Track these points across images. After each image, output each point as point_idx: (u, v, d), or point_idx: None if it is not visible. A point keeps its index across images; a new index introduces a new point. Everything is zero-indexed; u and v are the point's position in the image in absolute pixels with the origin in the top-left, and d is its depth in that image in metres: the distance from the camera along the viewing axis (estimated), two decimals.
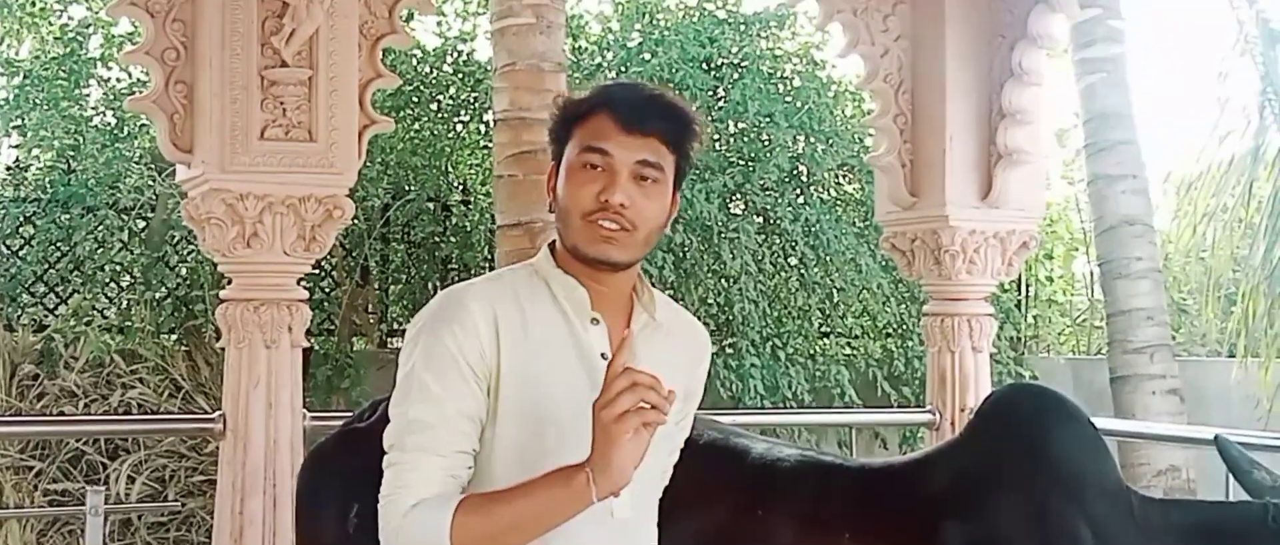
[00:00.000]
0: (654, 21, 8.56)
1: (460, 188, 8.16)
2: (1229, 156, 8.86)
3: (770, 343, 7.58)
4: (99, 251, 7.21)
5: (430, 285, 7.86)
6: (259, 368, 3.32)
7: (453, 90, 8.16)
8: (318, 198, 3.33)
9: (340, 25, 3.34)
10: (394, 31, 3.50)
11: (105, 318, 7.06)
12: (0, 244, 7.36)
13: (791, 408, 7.29)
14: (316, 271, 7.19)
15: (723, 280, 7.59)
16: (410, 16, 6.68)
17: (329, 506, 2.43)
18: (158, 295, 7.00)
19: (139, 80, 7.42)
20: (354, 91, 3.38)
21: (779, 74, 8.37)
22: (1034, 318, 10.31)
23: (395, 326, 8.06)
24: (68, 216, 7.11)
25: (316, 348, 6.98)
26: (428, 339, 1.80)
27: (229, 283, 3.41)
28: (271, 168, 3.28)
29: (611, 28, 8.84)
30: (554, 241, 1.91)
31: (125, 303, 7.20)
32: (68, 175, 7.30)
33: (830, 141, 8.01)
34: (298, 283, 3.42)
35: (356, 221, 6.85)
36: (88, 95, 7.85)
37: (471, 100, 8.14)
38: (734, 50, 8.22)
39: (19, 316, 7.08)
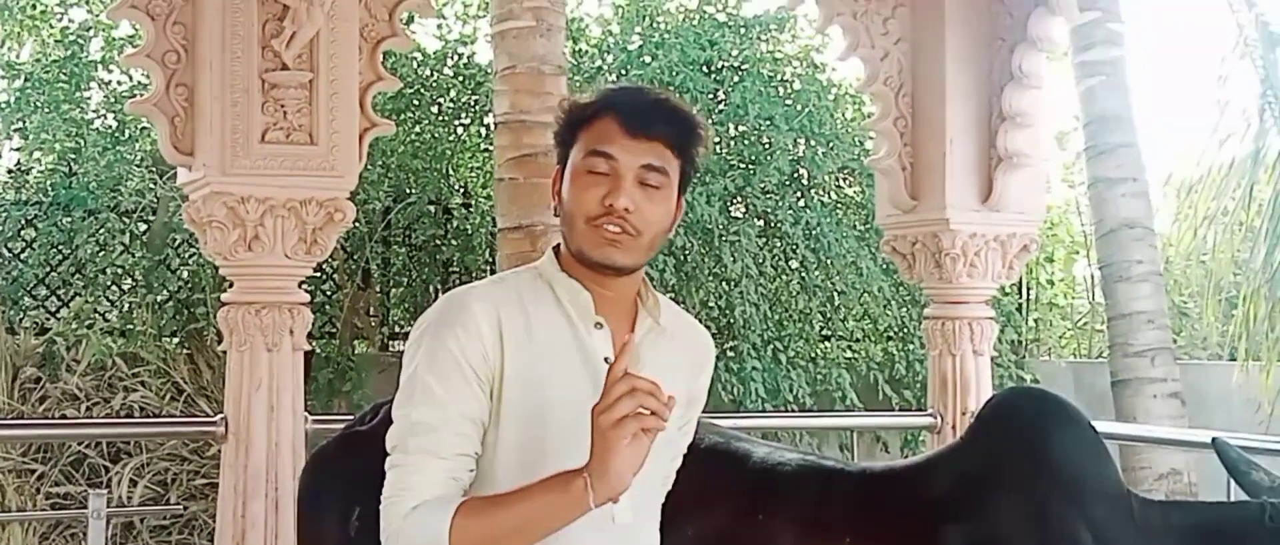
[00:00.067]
0: (654, 24, 8.56)
1: (461, 191, 8.17)
2: (1229, 159, 8.86)
3: (771, 346, 7.58)
4: (100, 254, 7.21)
5: (431, 288, 7.86)
6: (260, 371, 3.32)
7: (453, 93, 8.16)
8: (319, 201, 3.33)
9: (341, 28, 3.35)
10: (394, 34, 3.50)
11: (107, 321, 7.06)
12: (2, 247, 7.36)
13: (793, 411, 7.28)
14: (318, 275, 7.19)
15: (724, 283, 7.59)
16: (411, 19, 6.70)
17: (330, 509, 2.43)
18: (159, 298, 7.00)
19: (140, 83, 7.42)
20: (355, 94, 3.38)
21: (779, 77, 8.37)
22: (1035, 321, 10.30)
23: (397, 330, 8.06)
24: (69, 219, 7.11)
25: (318, 351, 6.98)
26: (431, 341, 1.80)
27: (230, 286, 3.42)
28: (272, 171, 3.28)
29: (612, 31, 8.85)
30: (559, 245, 1.91)
31: (127, 306, 7.20)
32: (69, 178, 7.30)
33: (831, 144, 8.01)
34: (299, 286, 3.42)
35: (357, 224, 6.84)
36: (89, 98, 7.86)
37: (472, 103, 8.14)
38: (734, 53, 8.23)
39: (21, 319, 7.07)
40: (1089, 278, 11.00)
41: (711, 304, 7.53)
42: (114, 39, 7.86)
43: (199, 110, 3.30)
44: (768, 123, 7.78)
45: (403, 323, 8.01)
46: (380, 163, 7.40)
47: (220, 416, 3.42)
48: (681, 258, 7.39)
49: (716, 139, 7.75)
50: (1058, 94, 8.86)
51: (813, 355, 7.83)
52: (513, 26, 4.94)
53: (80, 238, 7.11)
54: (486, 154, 7.81)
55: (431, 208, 7.85)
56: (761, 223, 7.89)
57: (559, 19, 5.07)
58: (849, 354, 8.25)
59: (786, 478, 2.58)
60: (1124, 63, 8.40)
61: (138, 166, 7.10)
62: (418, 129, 7.96)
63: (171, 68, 3.32)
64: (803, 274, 7.89)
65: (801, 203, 7.95)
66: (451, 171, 8.15)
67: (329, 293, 7.72)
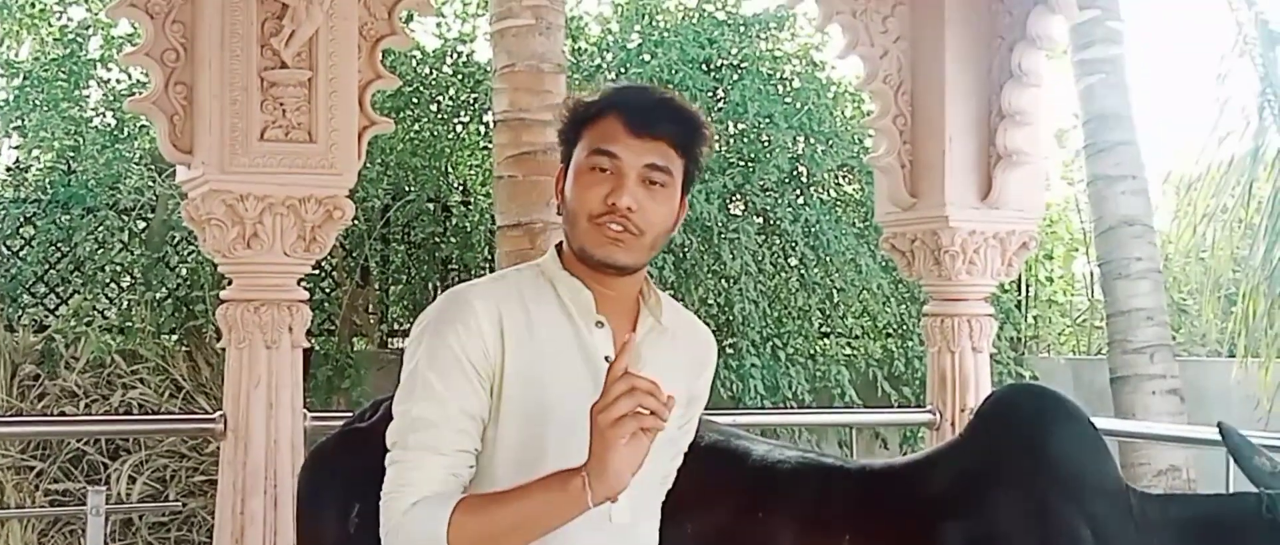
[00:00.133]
0: (653, 23, 8.56)
1: (460, 188, 8.17)
2: (1228, 157, 8.87)
3: (770, 343, 7.58)
4: (99, 252, 7.21)
5: (430, 286, 7.87)
6: (259, 368, 3.32)
7: (452, 91, 8.16)
8: (318, 198, 3.33)
9: (340, 26, 3.35)
10: (393, 32, 3.50)
11: (106, 318, 7.06)
12: (1, 245, 7.36)
13: (792, 408, 7.29)
14: (317, 272, 7.20)
15: (723, 281, 7.59)
16: (410, 18, 6.69)
17: (330, 507, 2.43)
18: (158, 296, 7.01)
19: (139, 81, 7.43)
20: (354, 92, 3.38)
21: (779, 75, 8.38)
22: (1034, 318, 10.32)
23: (395, 327, 8.07)
24: (68, 217, 7.11)
25: (317, 348, 6.99)
26: (432, 338, 1.80)
27: (229, 283, 3.42)
28: (271, 168, 3.28)
29: (611, 29, 8.85)
30: (561, 242, 1.91)
31: (126, 303, 7.20)
32: (68, 176, 7.30)
33: (830, 142, 8.01)
34: (298, 283, 3.42)
35: (356, 222, 6.85)
36: (88, 96, 7.85)
37: (471, 101, 8.14)
38: (734, 51, 8.23)
39: (20, 317, 7.08)
40: (1088, 275, 11.03)
41: (711, 301, 7.54)
42: (113, 37, 7.85)
43: (198, 108, 3.30)
44: (767, 120, 7.78)
45: (401, 320, 8.01)
46: (379, 160, 7.40)
47: (219, 413, 3.42)
48: (681, 255, 7.39)
49: (716, 137, 7.74)
50: (1057, 92, 8.89)
51: (812, 352, 7.84)
52: (512, 25, 4.94)
53: (79, 235, 7.12)
54: (485, 152, 7.80)
55: (430, 205, 7.86)
56: (761, 220, 7.90)
57: (558, 17, 5.07)
58: (848, 351, 8.25)
59: (786, 475, 2.58)
60: (1123, 61, 8.41)
61: (137, 164, 7.10)
62: (417, 127, 7.96)
63: (170, 66, 3.32)
64: (802, 271, 7.90)
65: (801, 200, 7.95)
66: (450, 169, 8.15)
67: (328, 290, 7.72)
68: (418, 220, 7.82)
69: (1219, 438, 2.57)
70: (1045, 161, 4.48)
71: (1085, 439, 2.43)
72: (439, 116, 8.15)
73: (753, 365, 7.35)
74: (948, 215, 4.03)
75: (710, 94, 7.98)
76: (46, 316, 7.22)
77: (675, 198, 1.86)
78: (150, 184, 7.01)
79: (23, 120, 7.68)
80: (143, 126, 7.31)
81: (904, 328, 8.01)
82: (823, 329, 8.23)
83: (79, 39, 7.91)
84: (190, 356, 6.78)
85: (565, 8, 5.41)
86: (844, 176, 8.43)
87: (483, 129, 8.10)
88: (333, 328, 7.56)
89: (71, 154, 7.41)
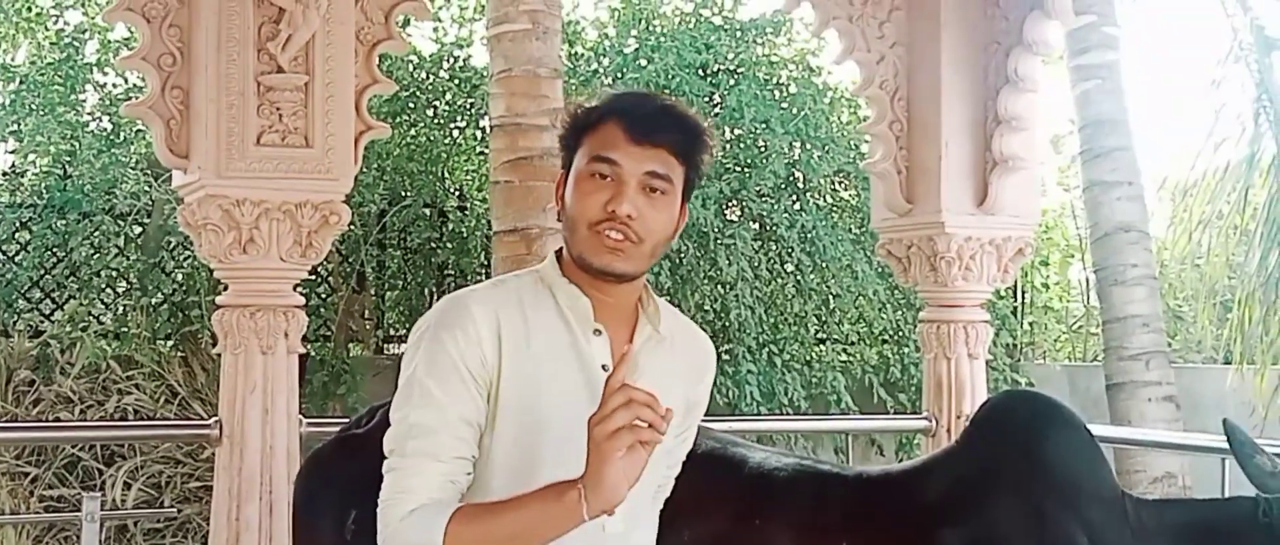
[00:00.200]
0: (650, 27, 8.57)
1: (457, 193, 8.16)
2: (1224, 163, 8.87)
3: (767, 349, 7.58)
4: (95, 257, 7.20)
5: (427, 291, 7.86)
6: (255, 374, 3.32)
7: (449, 96, 8.16)
8: (314, 203, 3.33)
9: (336, 31, 3.34)
10: (390, 37, 3.50)
11: (101, 323, 7.04)
12: None
13: (788, 414, 7.28)
14: (313, 277, 7.18)
15: (719, 286, 7.59)
16: (406, 22, 6.69)
17: (326, 513, 2.42)
18: (154, 301, 6.99)
19: (135, 86, 7.42)
20: (350, 97, 3.38)
21: (775, 80, 8.38)
22: (1030, 324, 10.32)
23: (392, 332, 8.06)
24: (64, 222, 7.10)
25: (313, 354, 6.97)
26: (430, 344, 1.80)
27: (225, 289, 3.41)
28: (268, 173, 3.28)
29: (608, 34, 8.85)
30: (561, 249, 1.90)
31: (121, 308, 7.19)
32: (64, 181, 7.29)
33: (826, 148, 8.01)
34: (294, 288, 3.42)
35: (353, 227, 6.83)
36: (84, 101, 7.84)
37: (468, 106, 8.14)
38: (730, 56, 8.24)
39: (15, 322, 7.06)
40: (1084, 281, 11.03)
41: (707, 307, 7.54)
42: (109, 41, 7.85)
43: (194, 113, 3.30)
44: (763, 126, 7.78)
45: (398, 326, 8.00)
46: (375, 166, 7.40)
47: (215, 419, 3.42)
48: (677, 261, 7.39)
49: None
50: (1053, 97, 8.90)
51: (808, 358, 7.84)
52: (509, 30, 4.94)
53: (75, 240, 7.11)
54: (482, 157, 7.80)
55: (427, 210, 7.85)
56: (757, 226, 7.90)
57: (555, 22, 5.08)
58: (844, 357, 8.25)
59: (782, 482, 2.58)
60: (1119, 66, 8.41)
61: (133, 169, 7.09)
62: (413, 132, 7.96)
63: (167, 70, 3.31)
64: (798, 277, 7.89)
65: (797, 206, 7.96)
66: (447, 174, 8.15)
67: (324, 296, 7.71)
68: (414, 225, 7.82)
69: (1215, 444, 2.57)
70: (1041, 167, 4.49)
71: (1081, 445, 2.43)
72: (435, 121, 8.15)
73: (749, 371, 7.34)
74: (944, 221, 4.03)
75: (706, 99, 7.98)
76: (42, 322, 7.20)
77: (675, 205, 1.86)
78: (146, 189, 6.99)
79: (18, 125, 7.66)
80: (139, 131, 7.30)
81: (900, 334, 8.01)
82: (819, 335, 8.23)
83: (75, 43, 7.90)
84: (186, 362, 6.77)
85: (562, 13, 5.41)
86: (840, 182, 8.43)
87: (479, 134, 8.10)
88: (329, 333, 7.55)
89: (67, 158, 7.40)
